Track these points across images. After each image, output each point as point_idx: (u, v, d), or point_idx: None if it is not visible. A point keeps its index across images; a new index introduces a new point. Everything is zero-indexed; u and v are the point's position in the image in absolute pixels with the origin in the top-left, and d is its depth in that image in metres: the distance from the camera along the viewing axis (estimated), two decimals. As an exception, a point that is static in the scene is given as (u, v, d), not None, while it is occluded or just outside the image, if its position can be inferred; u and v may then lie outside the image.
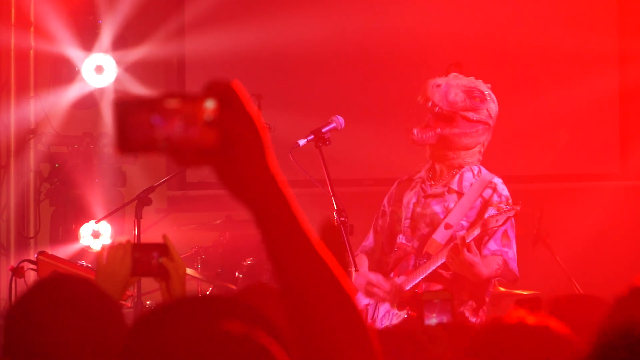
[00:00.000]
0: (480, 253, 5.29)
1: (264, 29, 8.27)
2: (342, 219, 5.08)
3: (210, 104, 1.57)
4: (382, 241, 5.60)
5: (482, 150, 5.56)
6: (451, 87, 5.37)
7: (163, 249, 3.53)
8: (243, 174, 1.59)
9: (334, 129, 5.38)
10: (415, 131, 5.43)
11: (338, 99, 8.03)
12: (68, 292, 2.36)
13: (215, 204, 8.07)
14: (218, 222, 7.62)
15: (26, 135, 8.24)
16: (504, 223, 5.38)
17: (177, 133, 1.55)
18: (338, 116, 5.43)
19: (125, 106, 1.55)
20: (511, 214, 5.31)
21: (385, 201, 5.69)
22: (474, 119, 5.43)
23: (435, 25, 8.06)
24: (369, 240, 5.69)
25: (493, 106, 5.52)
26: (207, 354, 1.55)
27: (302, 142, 5.28)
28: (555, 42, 8.09)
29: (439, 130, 5.40)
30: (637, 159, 8.09)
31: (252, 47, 8.18)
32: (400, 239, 5.47)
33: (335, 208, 5.15)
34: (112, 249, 3.45)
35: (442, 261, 5.27)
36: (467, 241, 5.17)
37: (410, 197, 5.51)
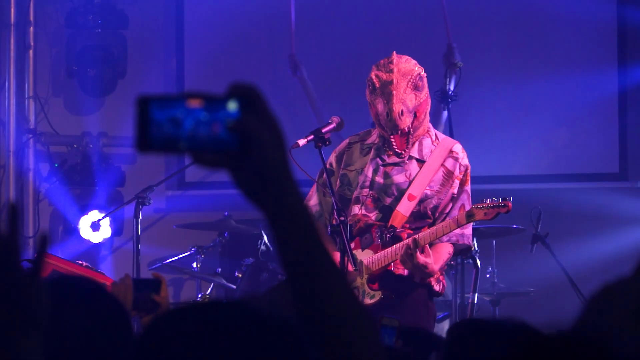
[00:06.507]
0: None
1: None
2: (342, 218, 5.08)
3: (232, 106, 1.55)
4: (328, 203, 5.44)
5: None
6: (404, 101, 5.25)
7: (156, 284, 3.67)
8: (263, 178, 1.57)
9: (334, 129, 5.36)
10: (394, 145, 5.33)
11: (339, 98, 8.04)
12: (76, 294, 2.28)
13: (214, 203, 8.07)
14: (217, 221, 7.63)
15: (25, 135, 8.24)
16: (460, 197, 5.33)
17: (198, 133, 1.54)
18: (338, 116, 5.41)
19: (147, 104, 1.54)
20: (503, 210, 5.23)
21: (332, 160, 5.53)
22: (425, 97, 5.35)
23: (431, 22, 8.07)
24: (314, 201, 5.52)
25: (421, 71, 5.37)
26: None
27: (301, 142, 5.26)
28: (555, 41, 8.10)
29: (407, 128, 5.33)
30: (637, 159, 8.09)
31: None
32: (360, 209, 5.37)
33: (335, 207, 5.15)
34: (115, 286, 3.58)
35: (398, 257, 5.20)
36: (423, 243, 5.11)
37: (368, 167, 5.40)
